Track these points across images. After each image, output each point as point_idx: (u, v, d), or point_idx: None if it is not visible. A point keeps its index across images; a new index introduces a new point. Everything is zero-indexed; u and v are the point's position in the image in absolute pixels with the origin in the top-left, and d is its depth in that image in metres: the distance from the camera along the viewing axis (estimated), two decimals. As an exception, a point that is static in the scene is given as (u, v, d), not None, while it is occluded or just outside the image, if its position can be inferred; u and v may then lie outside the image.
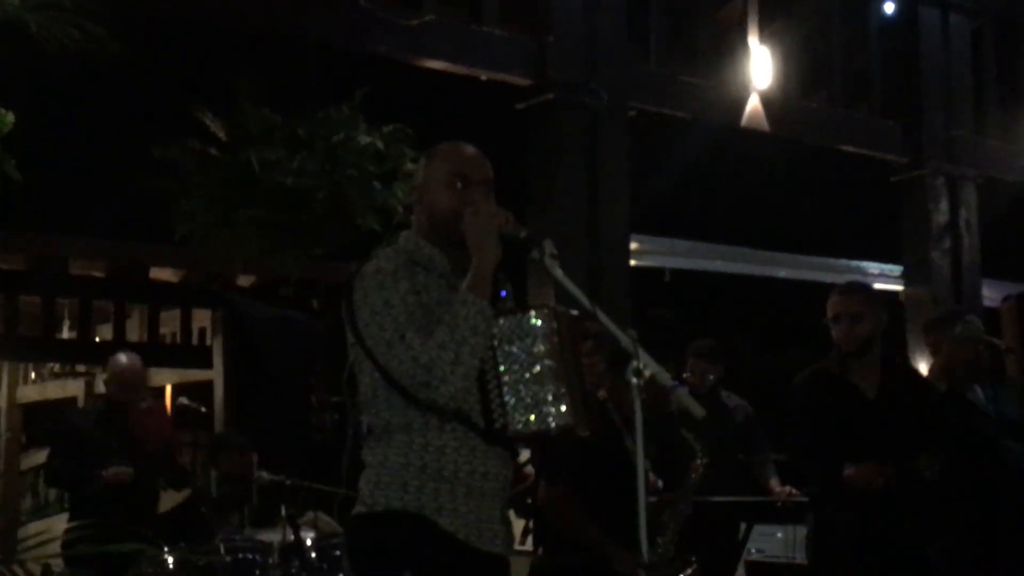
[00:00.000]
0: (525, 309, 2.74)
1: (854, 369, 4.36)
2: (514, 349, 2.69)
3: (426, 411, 2.71)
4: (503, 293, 2.85)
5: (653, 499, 4.56)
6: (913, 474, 4.22)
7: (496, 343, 2.70)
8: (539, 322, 2.68)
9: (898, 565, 4.24)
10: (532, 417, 2.66)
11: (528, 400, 2.67)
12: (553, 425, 2.65)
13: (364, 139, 11.82)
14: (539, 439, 2.78)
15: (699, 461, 4.56)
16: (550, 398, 2.65)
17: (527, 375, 2.67)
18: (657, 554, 4.23)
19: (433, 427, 2.72)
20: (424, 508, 2.70)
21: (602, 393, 4.07)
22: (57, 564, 5.29)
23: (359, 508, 2.78)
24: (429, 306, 2.72)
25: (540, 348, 2.66)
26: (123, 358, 6.10)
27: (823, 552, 4.43)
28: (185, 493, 6.54)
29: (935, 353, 5.11)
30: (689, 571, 4.33)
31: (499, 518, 2.80)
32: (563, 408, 2.65)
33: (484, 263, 2.71)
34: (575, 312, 2.77)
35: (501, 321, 2.71)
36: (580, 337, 2.79)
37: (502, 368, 2.70)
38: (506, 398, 2.69)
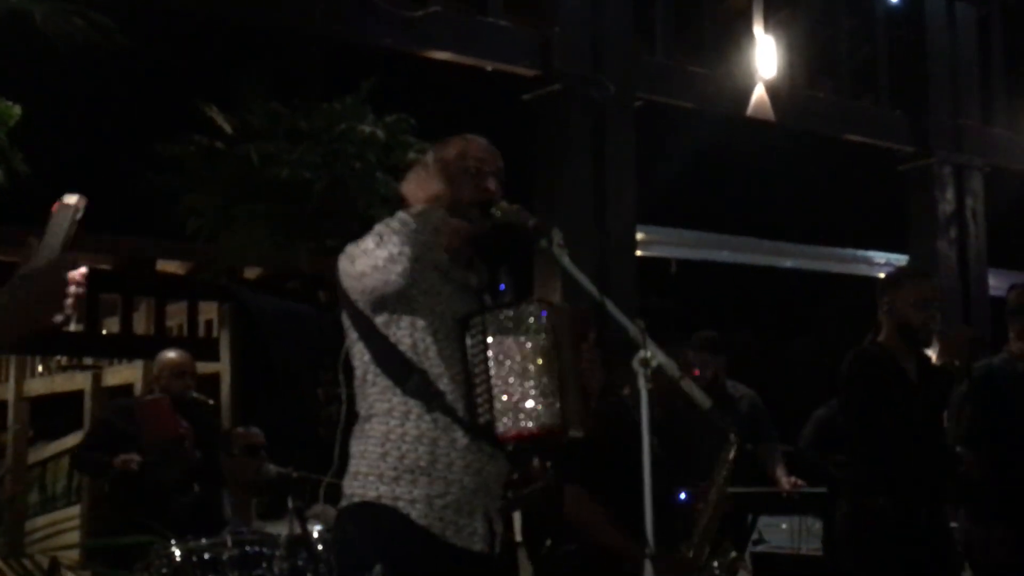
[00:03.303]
0: (520, 303, 2.69)
1: (901, 353, 4.40)
2: (506, 343, 2.63)
3: (408, 398, 2.68)
4: (502, 287, 2.83)
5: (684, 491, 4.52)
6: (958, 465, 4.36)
7: (488, 338, 2.65)
8: (532, 318, 2.63)
9: (944, 551, 4.29)
10: (516, 414, 2.61)
11: (515, 397, 2.61)
12: (534, 424, 2.60)
13: (366, 129, 11.79)
14: (524, 438, 2.68)
15: (731, 448, 4.47)
16: (535, 396, 2.59)
17: (516, 371, 2.61)
18: (693, 545, 4.18)
19: (413, 416, 2.69)
20: (398, 500, 2.67)
21: (627, 390, 3.98)
22: (65, 557, 5.30)
23: (342, 501, 2.78)
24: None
25: (531, 344, 2.61)
26: (171, 352, 6.21)
27: (863, 538, 4.40)
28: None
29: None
30: (728, 558, 4.28)
31: (481, 514, 2.73)
32: (548, 407, 2.59)
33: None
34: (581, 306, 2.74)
35: (497, 315, 2.67)
36: (584, 333, 2.76)
37: (491, 364, 2.64)
38: (494, 393, 2.63)
